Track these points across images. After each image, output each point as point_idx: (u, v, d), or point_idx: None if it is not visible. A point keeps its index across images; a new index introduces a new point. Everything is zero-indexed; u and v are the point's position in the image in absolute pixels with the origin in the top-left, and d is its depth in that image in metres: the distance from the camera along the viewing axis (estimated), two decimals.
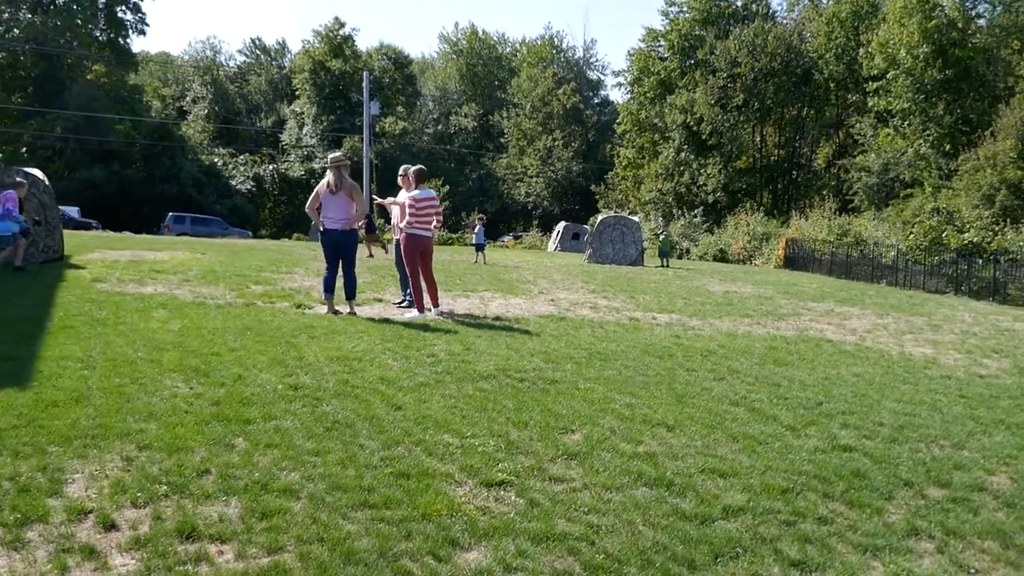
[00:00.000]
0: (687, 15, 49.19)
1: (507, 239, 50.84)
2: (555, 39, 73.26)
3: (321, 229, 9.67)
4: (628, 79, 53.82)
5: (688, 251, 40.02)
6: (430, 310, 10.19)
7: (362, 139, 51.42)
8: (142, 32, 57.32)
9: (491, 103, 70.75)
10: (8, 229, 12.40)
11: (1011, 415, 6.58)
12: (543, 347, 8.25)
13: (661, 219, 31.23)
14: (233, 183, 56.14)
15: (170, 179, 51.22)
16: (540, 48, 72.13)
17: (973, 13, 36.45)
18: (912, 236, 27.22)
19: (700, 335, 9.85)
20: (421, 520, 3.95)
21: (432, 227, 10.09)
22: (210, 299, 10.46)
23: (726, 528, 4.05)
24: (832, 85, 43.73)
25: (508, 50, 77.05)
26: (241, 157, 59.33)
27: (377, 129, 58.41)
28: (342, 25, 62.57)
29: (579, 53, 75.03)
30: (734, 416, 6.03)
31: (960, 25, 35.14)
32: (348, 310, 9.73)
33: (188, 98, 73.89)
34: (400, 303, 10.74)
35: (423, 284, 10.19)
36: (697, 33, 48.04)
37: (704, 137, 45.15)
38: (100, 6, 54.33)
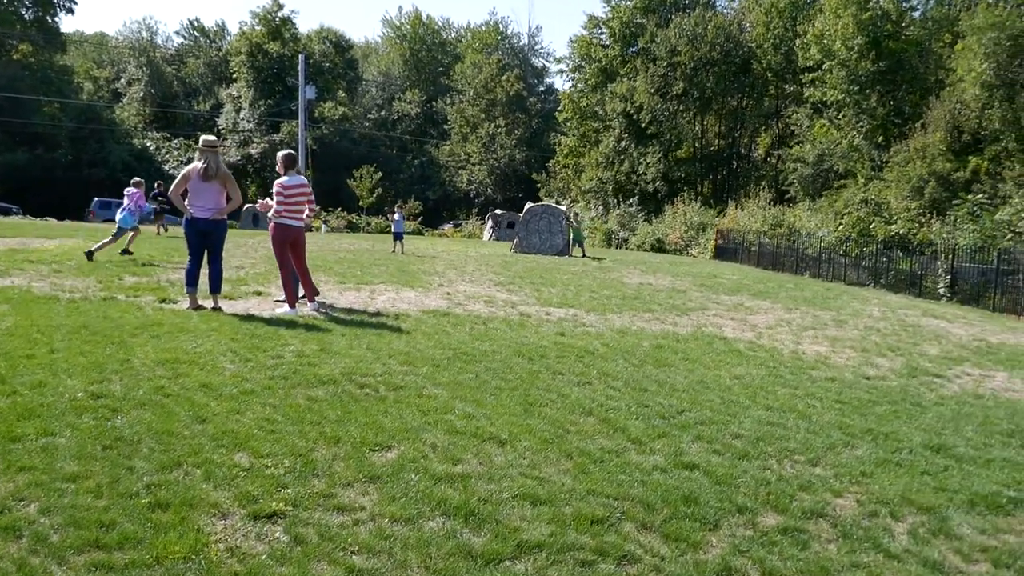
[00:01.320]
0: (629, 3, 48.79)
1: (447, 227, 50.15)
2: (500, 25, 72.54)
3: (188, 217, 8.93)
4: (569, 66, 53.32)
5: (626, 241, 39.77)
6: (305, 305, 9.56)
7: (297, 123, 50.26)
8: (70, 11, 55.09)
9: (435, 89, 69.75)
10: (128, 222, 14.87)
11: (883, 423, 6.18)
12: (407, 347, 7.66)
13: (571, 207, 30.57)
14: (166, 168, 54.39)
15: (98, 163, 49.50)
16: (485, 34, 71.29)
17: (907, 6, 36.63)
18: (841, 227, 27.27)
19: (588, 332, 9.36)
20: (151, 566, 3.35)
21: (304, 216, 9.43)
22: (67, 292, 9.69)
23: (512, 570, 3.52)
24: (770, 75, 43.74)
25: (453, 35, 76.04)
26: (175, 141, 57.56)
27: (316, 114, 57.09)
28: (280, 7, 61.00)
29: (524, 40, 74.48)
30: (580, 428, 5.52)
31: (894, 17, 35.27)
32: (213, 305, 9.03)
33: (123, 80, 71.60)
34: (280, 299, 10.05)
35: (298, 277, 9.54)
36: (639, 21, 47.68)
37: (644, 126, 44.88)
38: None
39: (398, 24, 75.27)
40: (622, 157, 46.54)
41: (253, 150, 57.98)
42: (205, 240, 8.94)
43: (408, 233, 43.59)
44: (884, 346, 9.83)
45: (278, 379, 6.22)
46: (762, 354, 8.79)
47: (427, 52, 73.59)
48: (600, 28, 50.26)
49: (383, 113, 70.73)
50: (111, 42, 76.79)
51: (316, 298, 9.76)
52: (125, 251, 14.37)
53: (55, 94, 52.06)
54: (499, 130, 60.02)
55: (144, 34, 75.65)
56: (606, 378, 7.03)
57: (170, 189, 9.08)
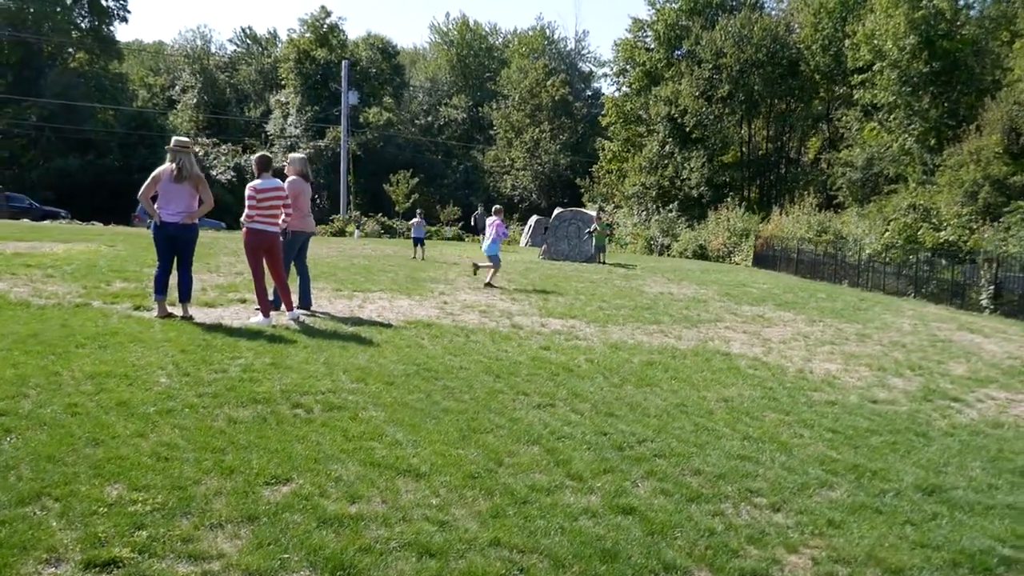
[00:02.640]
0: (674, 5, 47.75)
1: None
2: (546, 30, 71.97)
3: (157, 222, 8.55)
4: (614, 70, 52.48)
5: (668, 247, 38.80)
6: (283, 314, 9.12)
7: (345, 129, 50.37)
8: (124, 19, 56.31)
9: (481, 95, 69.43)
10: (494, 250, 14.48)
11: (875, 458, 5.44)
12: (368, 362, 7.13)
13: (598, 211, 29.40)
14: (213, 173, 55.00)
15: (148, 168, 49.34)
16: (531, 39, 70.79)
17: (962, 4, 35.01)
18: (887, 234, 26.03)
19: (577, 347, 8.72)
20: None
21: (280, 221, 8.98)
22: (43, 299, 9.39)
23: None
24: (818, 77, 42.30)
25: (500, 41, 75.66)
26: (223, 147, 58.19)
27: (360, 120, 57.21)
28: (328, 14, 61.35)
29: (571, 44, 73.78)
30: (517, 460, 4.92)
31: (949, 16, 33.72)
32: (183, 313, 8.63)
33: (178, 87, 72.89)
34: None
35: (274, 285, 9.12)
36: (684, 23, 46.60)
37: (688, 130, 43.79)
38: None
39: (445, 30, 75.27)
40: (666, 162, 45.50)
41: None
42: (174, 245, 8.55)
43: (448, 239, 43.48)
44: (904, 364, 8.98)
45: (207, 397, 5.75)
46: (763, 372, 8.05)
47: (474, 57, 73.35)
48: (645, 31, 49.29)
49: (429, 119, 70.68)
50: (167, 50, 78.24)
51: (296, 310, 9.32)
52: None
53: (109, 101, 53.06)
54: (544, 135, 59.38)
55: (198, 42, 77.03)
56: (573, 400, 6.40)
57: (139, 192, 8.70)
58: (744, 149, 46.61)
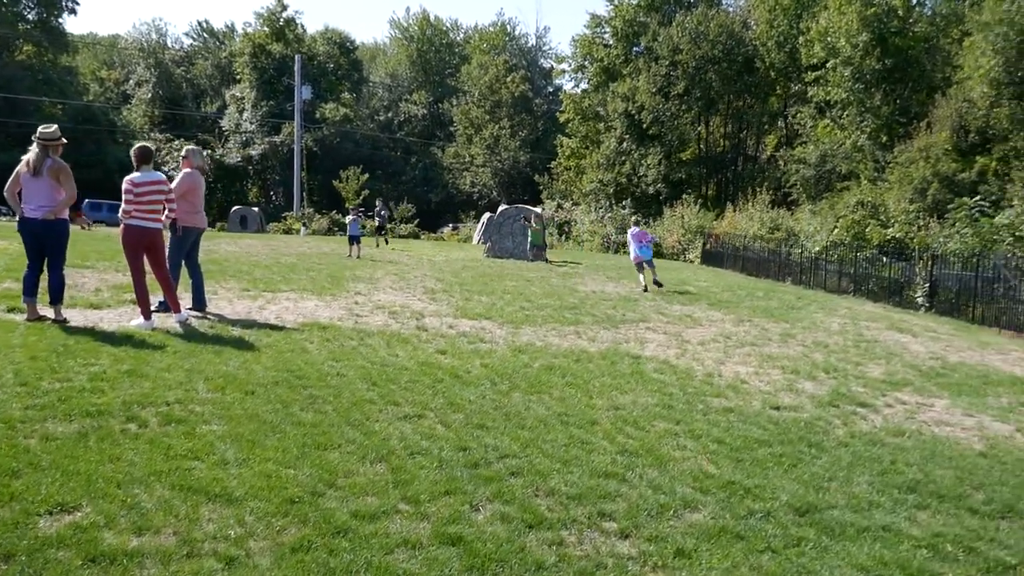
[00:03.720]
0: (632, 1, 47.51)
1: (446, 230, 49.14)
2: (508, 26, 71.45)
3: (20, 217, 7.96)
4: (572, 66, 52.14)
5: (624, 244, 38.51)
6: (170, 315, 8.56)
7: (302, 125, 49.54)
8: (72, 11, 54.77)
9: (442, 91, 68.77)
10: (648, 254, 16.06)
11: (754, 473, 5.04)
12: (237, 369, 6.60)
13: (541, 209, 28.79)
14: (166, 168, 53.82)
15: (94, 164, 49.04)
16: (492, 35, 70.24)
17: (915, 1, 35.11)
18: (836, 231, 25.91)
19: (477, 350, 8.25)
20: None
21: (162, 217, 8.40)
22: None
23: None
24: (774, 74, 42.29)
25: (461, 37, 74.99)
26: (176, 142, 56.99)
27: (317, 115, 56.32)
28: (284, 7, 60.36)
29: (532, 41, 73.33)
30: (353, 481, 4.44)
31: (901, 13, 33.77)
32: (55, 316, 8.02)
33: (132, 81, 71.36)
34: (154, 309, 9.02)
35: (161, 284, 8.55)
36: (641, 19, 46.38)
37: (645, 126, 43.59)
38: None
39: (405, 25, 74.41)
40: (623, 158, 45.28)
41: (254, 151, 57.29)
42: (39, 243, 7.94)
43: (403, 236, 42.85)
44: (821, 366, 8.63)
45: (34, 410, 5.20)
46: (668, 377, 7.64)
47: (435, 53, 72.60)
48: (603, 27, 49.02)
49: (390, 115, 69.88)
50: (121, 44, 76.60)
51: (185, 311, 8.76)
52: None
53: (57, 95, 51.75)
54: (504, 131, 58.91)
55: (153, 36, 75.46)
56: (447, 410, 5.93)
57: (4, 188, 8.08)
58: (702, 146, 46.53)
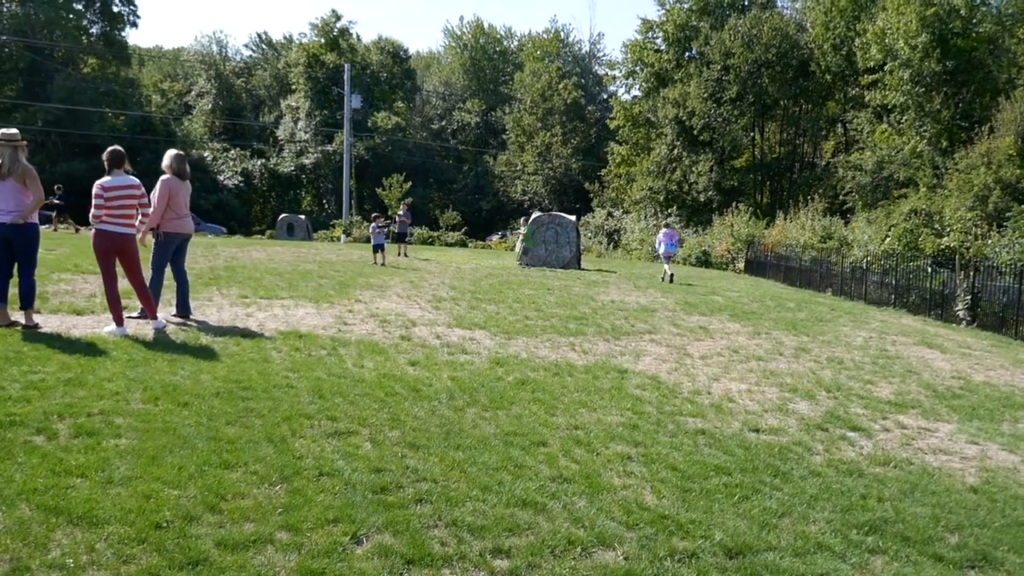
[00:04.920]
0: (684, 5, 46.65)
1: (494, 238, 48.89)
2: (561, 33, 71.00)
3: None
4: (623, 72, 51.45)
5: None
6: (148, 321, 8.39)
7: (352, 133, 49.94)
8: (134, 24, 56.32)
9: (495, 99, 68.68)
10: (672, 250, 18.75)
11: (696, 507, 4.52)
12: (186, 378, 6.32)
13: (568, 217, 28.27)
14: (221, 179, 54.92)
15: (152, 173, 49.81)
16: (545, 42, 69.89)
17: (979, 0, 33.54)
18: (888, 239, 24.80)
19: (455, 362, 7.84)
20: None
21: (134, 222, 8.21)
22: None
23: None
24: (829, 78, 40.94)
25: (514, 44, 74.83)
26: (232, 152, 58.10)
27: (369, 124, 56.73)
28: (339, 18, 61.06)
29: (585, 47, 72.76)
30: (241, 504, 4.09)
31: (964, 13, 32.30)
32: (26, 322, 7.89)
33: (193, 92, 73.06)
34: (134, 315, 8.87)
35: (135, 290, 8.37)
36: (693, 24, 45.50)
37: (696, 132, 42.67)
38: None
39: (459, 34, 74.64)
40: (674, 165, 44.40)
41: (307, 160, 57.97)
42: (8, 247, 7.82)
43: (450, 244, 42.71)
44: (826, 384, 7.98)
45: None
46: (649, 393, 7.12)
47: (488, 61, 72.59)
48: (654, 32, 48.24)
49: (443, 123, 70.07)
50: (183, 56, 78.56)
51: (161, 318, 8.58)
52: None
53: (117, 106, 53.11)
54: (555, 139, 58.45)
55: (214, 48, 77.16)
56: (386, 426, 5.54)
57: None
58: (756, 153, 45.36)
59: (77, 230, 26.44)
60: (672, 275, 19.34)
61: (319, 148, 57.38)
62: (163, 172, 9.16)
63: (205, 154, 56.36)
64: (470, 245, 44.49)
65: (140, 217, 8.33)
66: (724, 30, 42.25)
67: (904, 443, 6.13)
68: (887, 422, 6.70)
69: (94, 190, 7.95)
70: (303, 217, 39.47)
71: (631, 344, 9.67)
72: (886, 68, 33.99)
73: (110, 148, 8.24)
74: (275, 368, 6.93)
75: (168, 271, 9.25)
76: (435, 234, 44.12)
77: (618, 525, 4.17)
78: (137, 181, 8.30)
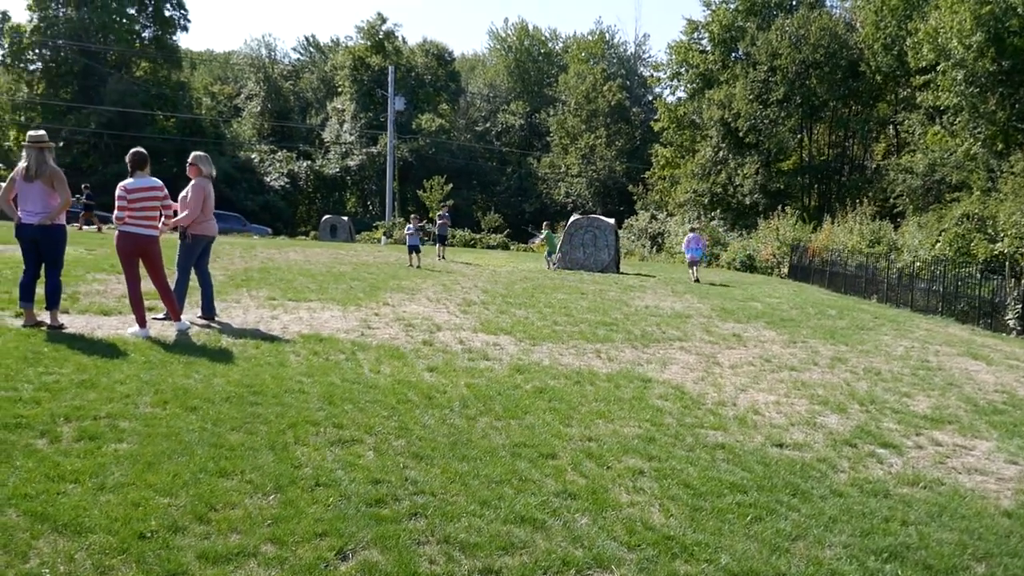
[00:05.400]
0: (731, 5, 45.93)
1: (536, 240, 48.69)
2: (606, 34, 70.57)
3: (16, 223, 7.93)
4: (667, 73, 50.88)
5: (716, 257, 37.10)
6: (172, 323, 8.42)
7: (396, 136, 50.23)
8: (184, 28, 57.40)
9: (540, 100, 68.50)
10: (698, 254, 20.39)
11: (705, 528, 4.30)
12: (199, 382, 6.28)
13: (607, 220, 28.08)
14: (268, 180, 55.61)
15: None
16: (591, 44, 69.50)
17: None
18: (939, 244, 24.07)
19: (474, 368, 7.70)
20: None
21: (158, 224, 8.24)
22: None
23: None
24: (880, 78, 39.90)
25: (559, 46, 74.57)
26: (279, 154, 58.82)
27: (413, 126, 56.99)
28: (384, 20, 61.48)
29: (630, 49, 72.21)
30: (230, 514, 4.00)
31: (1020, 11, 31.21)
32: (51, 321, 7.95)
33: (243, 95, 74.20)
34: (159, 316, 8.91)
35: (159, 292, 8.40)
36: (739, 24, 44.78)
37: (742, 134, 41.97)
38: (147, 3, 54.53)
39: (504, 36, 74.61)
40: (719, 168, 43.72)
41: (351, 162, 58.45)
42: (36, 248, 7.90)
43: (492, 247, 42.66)
44: (861, 397, 7.66)
45: None
46: (671, 404, 6.89)
47: (532, 63, 72.42)
48: (700, 32, 47.60)
49: (487, 125, 70.11)
50: (233, 59, 79.81)
51: (184, 320, 8.60)
52: None
53: (169, 109, 54.09)
54: (600, 141, 58.07)
55: (263, 51, 78.33)
56: (393, 435, 5.42)
57: None
58: (804, 155, 44.47)
59: (99, 229, 26.56)
60: (698, 279, 20.78)
61: (364, 150, 57.83)
62: (192, 174, 9.19)
63: (252, 156, 57.13)
64: (512, 248, 44.39)
65: (163, 219, 8.35)
66: (771, 30, 41.48)
67: (937, 461, 5.83)
68: (921, 438, 6.39)
69: (117, 192, 8.00)
70: (346, 219, 39.71)
71: (659, 352, 9.44)
72: (939, 68, 33.00)
73: (133, 150, 8.29)
74: (290, 372, 6.86)
75: (192, 273, 9.28)
76: (477, 236, 44.09)
77: (619, 546, 3.98)
78: (160, 183, 8.34)
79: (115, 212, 8.01)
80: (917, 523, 4.55)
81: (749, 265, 34.33)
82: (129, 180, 8.05)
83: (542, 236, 24.52)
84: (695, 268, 21.69)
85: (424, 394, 6.53)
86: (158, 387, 6.07)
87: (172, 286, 8.73)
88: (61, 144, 50.23)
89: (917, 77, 34.71)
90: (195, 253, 9.17)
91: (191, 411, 5.58)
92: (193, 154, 9.31)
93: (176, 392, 5.97)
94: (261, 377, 6.60)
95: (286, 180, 56.09)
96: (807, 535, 4.28)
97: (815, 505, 4.72)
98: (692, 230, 24.12)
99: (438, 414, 6.01)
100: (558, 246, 22.86)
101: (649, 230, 44.07)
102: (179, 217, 8.87)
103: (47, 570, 3.34)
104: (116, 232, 8.11)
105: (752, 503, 4.66)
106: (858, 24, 41.94)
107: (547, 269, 22.05)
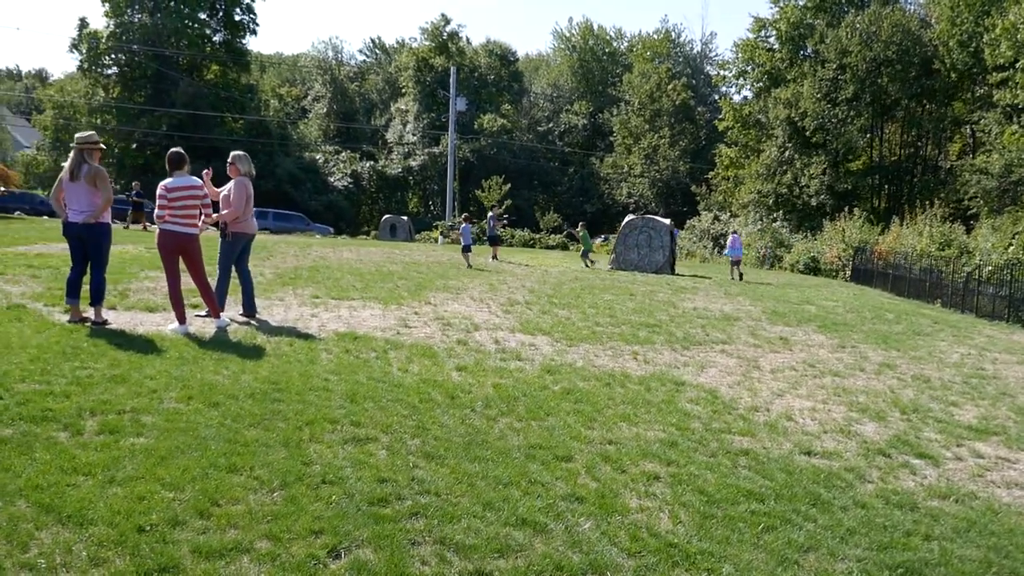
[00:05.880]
0: (799, 2, 44.90)
1: (596, 241, 48.45)
2: (672, 33, 69.75)
3: (64, 221, 8.19)
4: (733, 72, 50.00)
5: (780, 259, 36.33)
6: (212, 320, 8.60)
7: (458, 136, 50.58)
8: (253, 32, 58.63)
9: (603, 100, 68.10)
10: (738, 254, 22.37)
11: (713, 537, 4.17)
12: (227, 378, 6.39)
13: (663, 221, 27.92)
14: (331, 180, 56.56)
15: (266, 175, 51.97)
16: (656, 43, 68.77)
17: None
18: (1012, 248, 23.13)
19: (504, 369, 7.65)
20: None
21: (198, 223, 8.41)
22: None
23: None
24: (954, 76, 38.50)
25: (624, 45, 73.99)
26: (343, 154, 59.77)
27: (475, 126, 57.27)
28: (448, 21, 61.96)
29: (697, 47, 71.24)
30: (229, 510, 4.04)
31: None
32: (95, 318, 8.18)
33: (310, 97, 75.66)
34: (201, 314, 9.11)
35: (199, 289, 8.58)
36: (808, 21, 43.74)
37: (809, 133, 41.00)
38: (217, 7, 56.01)
39: (568, 36, 74.40)
40: (784, 168, 42.80)
41: (414, 162, 59.05)
42: (82, 246, 8.14)
43: (551, 247, 42.59)
44: (904, 405, 7.37)
45: None
46: (701, 408, 6.73)
47: (597, 63, 72.03)
48: (767, 30, 46.68)
49: (550, 125, 70.02)
50: (300, 62, 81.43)
51: (224, 317, 8.77)
52: None
53: (237, 111, 55.44)
54: (663, 141, 57.43)
55: (330, 53, 79.74)
56: (409, 434, 5.42)
57: (50, 193, 8.34)
58: (874, 155, 43.22)
59: (145, 227, 26.47)
60: (742, 274, 23.13)
61: (426, 150, 58.36)
62: (232, 173, 9.35)
63: (317, 157, 58.16)
64: (571, 248, 44.22)
65: (203, 218, 8.51)
66: (841, 27, 40.45)
67: (975, 474, 5.56)
68: (961, 449, 6.11)
69: (157, 191, 8.20)
70: (405, 218, 40.13)
71: (699, 355, 9.24)
72: (1017, 65, 31.71)
73: (172, 150, 8.48)
74: (318, 370, 6.92)
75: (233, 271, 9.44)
76: (536, 236, 44.06)
77: (619, 552, 3.89)
78: (200, 182, 8.52)
79: (155, 211, 8.20)
80: (941, 538, 4.34)
81: (813, 268, 33.52)
82: (169, 180, 8.23)
83: (579, 233, 25.48)
84: (737, 267, 23.62)
85: (448, 394, 6.51)
86: (186, 383, 6.19)
87: (213, 284, 8.92)
88: (134, 146, 52.00)
89: (994, 75, 33.42)
90: (236, 251, 9.33)
91: (213, 407, 5.66)
92: (232, 153, 9.47)
93: (202, 388, 6.07)
94: (288, 374, 6.67)
95: (349, 180, 56.96)
96: (820, 547, 4.11)
97: (833, 516, 4.54)
98: (734, 232, 25.87)
99: (459, 414, 5.98)
100: (592, 245, 23.24)
101: (712, 231, 43.43)
102: (223, 214, 9.06)
103: (43, 561, 3.40)
104: (157, 230, 8.30)
105: (767, 512, 4.51)
106: (933, 20, 40.61)
107: (585, 268, 21.96)
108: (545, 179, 61.34)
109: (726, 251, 25.07)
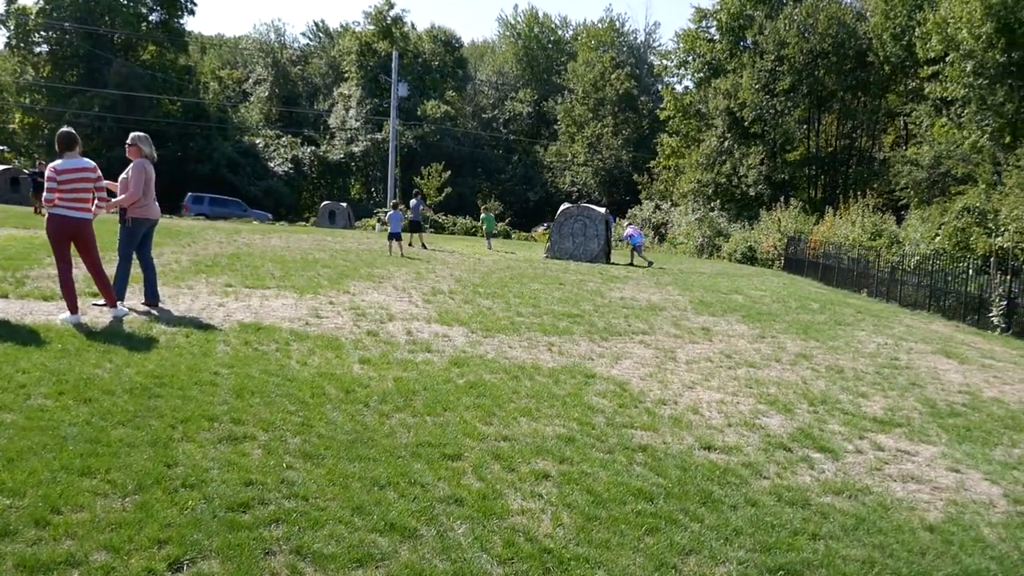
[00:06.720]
0: None
1: (538, 229, 48.35)
2: (616, 22, 69.84)
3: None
4: (674, 62, 50.23)
5: (718, 249, 36.64)
6: (108, 309, 8.16)
7: (401, 122, 49.92)
8: (191, 12, 57.03)
9: (548, 88, 67.96)
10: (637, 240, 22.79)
11: (591, 542, 4.00)
12: (108, 372, 6.02)
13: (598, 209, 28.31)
14: (272, 165, 55.43)
15: (203, 159, 50.76)
16: (600, 32, 68.82)
17: None
18: (938, 238, 23.61)
19: (410, 361, 7.40)
20: None
21: (91, 207, 7.96)
22: None
23: None
24: (888, 69, 39.22)
25: (569, 34, 73.88)
26: (284, 139, 58.61)
27: (419, 113, 56.63)
28: (391, 6, 61.00)
29: (640, 37, 71.44)
30: (72, 519, 3.72)
31: None
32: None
33: (251, 80, 73.96)
34: (97, 303, 8.65)
35: (93, 277, 8.14)
36: (748, 12, 44.10)
37: (747, 124, 41.41)
38: None
39: (513, 23, 74.02)
40: (723, 158, 43.19)
41: (356, 148, 58.19)
42: None
43: (494, 235, 42.34)
44: (813, 396, 7.32)
45: None
46: (607, 402, 6.58)
47: (542, 51, 71.82)
48: (708, 20, 46.95)
49: (495, 113, 69.64)
50: (241, 44, 79.60)
51: (122, 306, 8.34)
52: None
53: (174, 93, 53.93)
54: (607, 130, 57.52)
55: (272, 36, 78.03)
56: (291, 432, 5.14)
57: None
58: (810, 146, 43.87)
59: (36, 210, 22.19)
60: (648, 261, 23.74)
61: (368, 136, 57.55)
62: (132, 155, 8.89)
63: (257, 141, 56.93)
64: (513, 236, 44.04)
65: (96, 201, 8.07)
66: (779, 19, 40.88)
67: (873, 468, 5.49)
68: (863, 442, 6.05)
69: (46, 173, 7.74)
70: (344, 205, 39.47)
71: (617, 346, 9.11)
72: (947, 59, 32.38)
73: (61, 130, 8.02)
74: (209, 363, 6.58)
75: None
76: (478, 224, 43.74)
77: (489, 559, 3.69)
78: (93, 164, 8.06)
79: (44, 194, 7.74)
80: (828, 537, 4.24)
81: (750, 257, 33.87)
82: (59, 161, 7.77)
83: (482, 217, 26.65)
84: (640, 253, 24.45)
85: (344, 388, 6.24)
86: (61, 377, 5.81)
87: (113, 271, 8.49)
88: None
89: (925, 68, 34.09)
90: (137, 237, 8.89)
91: (84, 403, 5.31)
92: (132, 134, 8.98)
93: (78, 382, 5.71)
94: (176, 368, 6.33)
95: (290, 166, 55.91)
96: (703, 549, 3.97)
97: (722, 515, 4.40)
98: (629, 225, 27.58)
99: (350, 410, 5.72)
100: (495, 228, 23.69)
101: (652, 220, 43.66)
102: (119, 199, 8.60)
103: None
104: (47, 215, 7.84)
105: (654, 512, 4.35)
106: (868, 13, 41.26)
107: (488, 251, 22.14)
108: (489, 167, 61.07)
109: (625, 238, 25.77)
